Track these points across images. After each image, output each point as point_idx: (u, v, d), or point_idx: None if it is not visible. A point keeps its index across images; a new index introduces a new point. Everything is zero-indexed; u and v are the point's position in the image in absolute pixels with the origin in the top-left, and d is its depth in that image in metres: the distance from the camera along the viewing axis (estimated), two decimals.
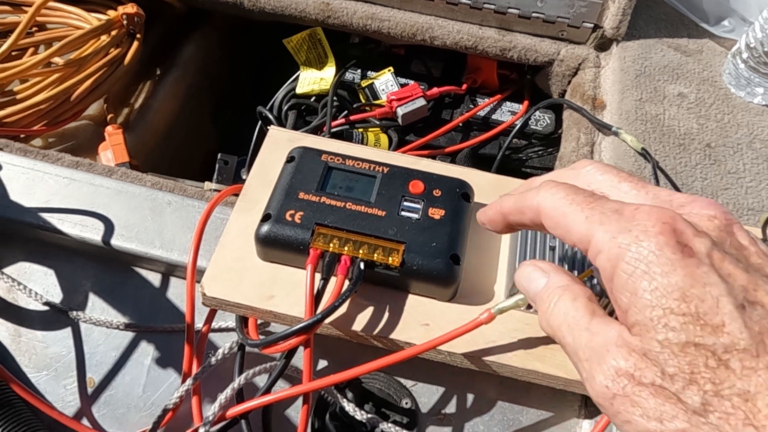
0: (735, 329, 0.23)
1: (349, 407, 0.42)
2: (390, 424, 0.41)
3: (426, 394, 0.45)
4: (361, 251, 0.39)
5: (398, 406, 0.44)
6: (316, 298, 0.38)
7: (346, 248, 0.39)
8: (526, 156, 0.69)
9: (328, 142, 0.48)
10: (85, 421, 0.45)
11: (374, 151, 0.47)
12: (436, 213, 0.41)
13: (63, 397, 0.45)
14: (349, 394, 0.43)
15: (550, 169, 0.69)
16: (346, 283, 0.38)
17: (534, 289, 0.30)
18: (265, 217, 0.40)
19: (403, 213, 0.41)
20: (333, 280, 0.39)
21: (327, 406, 0.44)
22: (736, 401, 0.22)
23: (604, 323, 0.27)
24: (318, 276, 0.39)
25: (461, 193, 0.42)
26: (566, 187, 0.29)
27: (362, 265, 0.39)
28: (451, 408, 0.45)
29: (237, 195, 0.48)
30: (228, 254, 0.41)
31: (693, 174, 0.51)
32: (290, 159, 0.44)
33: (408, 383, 0.45)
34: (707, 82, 0.58)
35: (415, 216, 0.41)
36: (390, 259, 0.39)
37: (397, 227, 0.40)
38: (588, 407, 0.44)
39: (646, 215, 0.25)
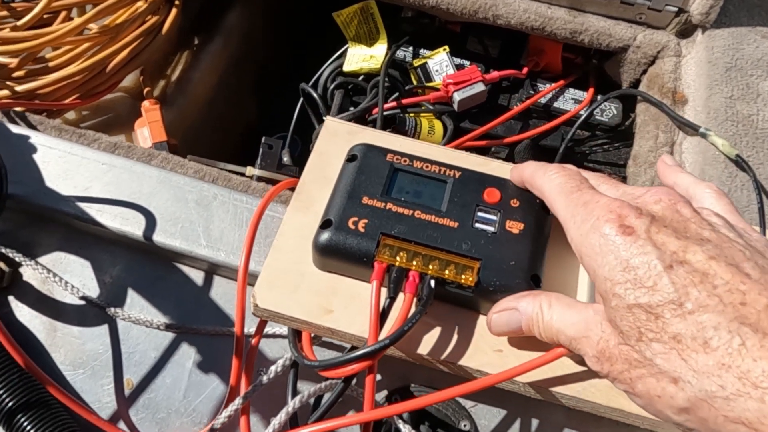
0: (663, 286, 0.27)
1: (405, 429, 0.39)
2: None
3: (486, 417, 0.42)
4: (431, 267, 0.35)
5: (456, 428, 0.41)
6: (381, 317, 0.34)
7: (414, 263, 0.35)
8: (590, 149, 0.64)
9: (391, 138, 0.43)
10: (122, 425, 0.42)
11: (442, 150, 0.43)
12: (515, 227, 0.37)
13: (100, 398, 0.43)
14: (405, 414, 0.40)
15: (615, 164, 0.64)
16: (414, 302, 0.35)
17: (516, 325, 0.34)
18: (325, 223, 0.36)
19: (477, 225, 0.37)
20: (399, 298, 0.35)
21: (380, 425, 0.41)
22: (670, 343, 0.27)
23: (583, 306, 0.31)
24: (383, 292, 0.35)
25: (541, 204, 0.38)
26: (563, 176, 0.34)
27: (433, 283, 0.35)
28: None
29: (290, 190, 0.44)
30: (282, 259, 0.38)
31: None
32: (351, 158, 0.40)
33: (467, 404, 0.42)
34: None
35: (491, 229, 0.37)
36: (463, 277, 0.35)
37: (472, 241, 0.36)
38: None
39: (599, 207, 0.30)
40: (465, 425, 0.41)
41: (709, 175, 0.46)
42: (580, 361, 0.35)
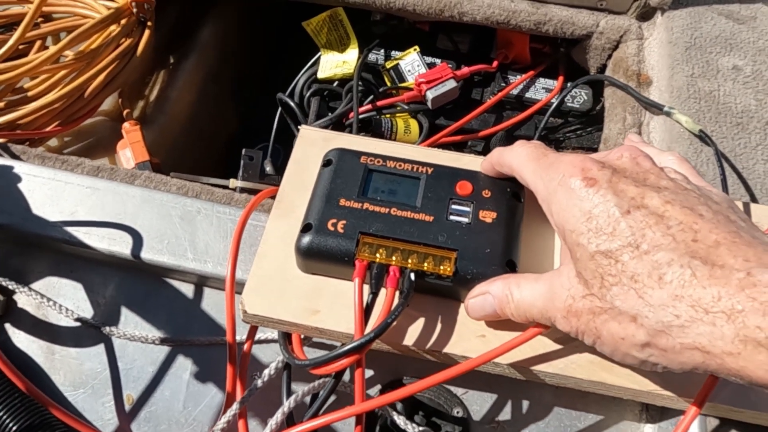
0: (621, 231, 0.29)
1: (400, 420, 0.40)
2: None
3: (478, 402, 0.43)
4: (410, 261, 0.36)
5: (450, 415, 0.43)
6: (366, 312, 0.35)
7: (393, 258, 0.36)
8: (564, 135, 0.66)
9: (365, 141, 0.44)
10: None
11: (414, 148, 0.44)
12: (488, 216, 0.38)
13: (102, 415, 0.44)
14: (399, 405, 0.42)
15: (589, 148, 0.65)
16: (397, 295, 0.36)
17: (490, 309, 0.35)
18: (306, 227, 0.38)
19: (452, 217, 0.38)
20: (382, 293, 0.36)
21: (376, 418, 0.42)
22: (628, 284, 0.28)
23: (549, 275, 0.33)
24: (366, 289, 0.36)
25: (512, 192, 0.39)
26: (528, 146, 0.36)
27: (413, 276, 0.36)
28: (505, 415, 0.43)
29: (271, 198, 0.45)
30: (267, 266, 0.39)
31: (754, 156, 0.48)
32: (327, 162, 0.41)
33: (458, 391, 0.43)
34: (764, 53, 0.54)
35: (465, 220, 0.38)
36: (442, 268, 0.36)
37: (447, 233, 0.37)
38: (649, 411, 0.42)
39: (564, 164, 0.32)
40: (458, 412, 0.42)
41: (665, 151, 0.48)
42: (559, 339, 0.37)
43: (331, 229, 0.37)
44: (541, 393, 0.43)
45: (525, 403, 0.43)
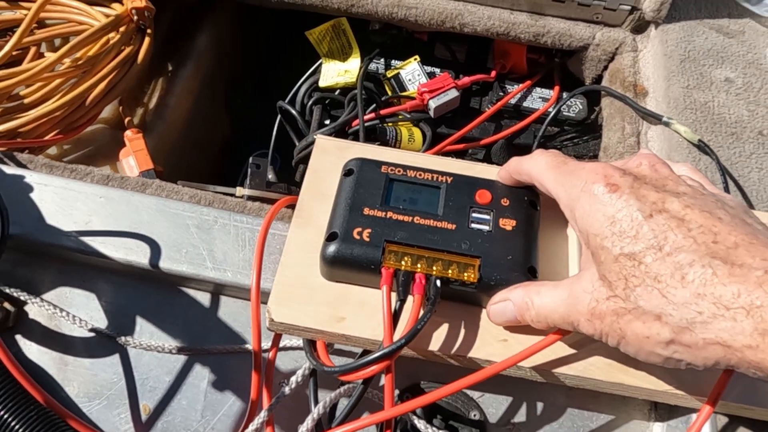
0: (644, 233, 0.30)
1: (420, 424, 0.41)
2: None
3: (494, 405, 0.44)
4: (435, 268, 0.37)
5: (467, 418, 0.44)
6: (393, 319, 0.36)
7: (419, 266, 0.37)
8: (561, 144, 0.67)
9: (381, 151, 0.45)
10: None
11: (428, 158, 0.45)
12: (508, 224, 0.39)
13: (118, 426, 0.43)
14: (418, 410, 0.42)
15: (585, 156, 0.67)
16: (424, 302, 0.37)
17: (511, 315, 0.36)
18: (331, 236, 0.38)
19: (473, 225, 0.39)
20: (408, 300, 0.37)
21: (397, 423, 0.43)
22: (652, 284, 0.30)
23: (569, 281, 0.34)
24: (393, 296, 0.37)
25: (529, 200, 0.41)
26: (548, 155, 0.37)
27: (438, 283, 0.37)
28: (520, 417, 0.44)
29: (287, 207, 0.46)
30: (290, 274, 0.39)
31: (748, 164, 0.50)
32: (348, 172, 0.41)
33: (475, 394, 0.44)
34: (753, 65, 0.57)
35: (486, 228, 0.39)
36: (466, 275, 0.37)
37: (470, 241, 0.38)
38: (658, 410, 0.44)
39: (586, 171, 0.34)
40: (475, 414, 0.43)
41: (675, 162, 0.50)
42: (578, 342, 0.38)
43: (357, 237, 0.38)
44: (554, 394, 0.44)
45: (539, 405, 0.44)
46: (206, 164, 0.81)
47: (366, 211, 0.39)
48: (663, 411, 0.43)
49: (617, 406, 0.44)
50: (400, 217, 0.39)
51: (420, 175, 0.41)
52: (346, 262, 0.38)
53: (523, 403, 0.44)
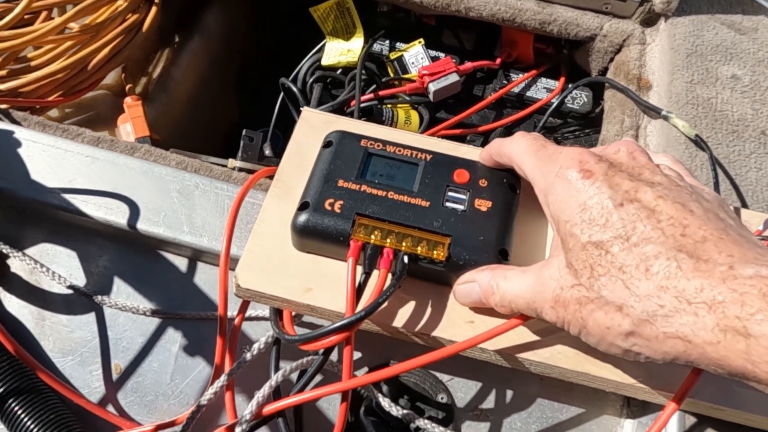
0: (613, 222, 0.30)
1: (385, 402, 0.40)
2: (426, 421, 0.40)
3: (463, 389, 0.43)
4: (404, 244, 0.37)
5: (434, 400, 0.43)
6: (357, 292, 0.36)
7: (388, 240, 0.37)
8: (562, 136, 0.66)
9: (366, 126, 0.45)
10: (111, 408, 0.43)
11: (414, 136, 0.45)
12: (483, 204, 0.39)
13: (89, 383, 0.44)
14: (384, 388, 0.42)
15: None
16: (389, 277, 0.36)
17: (476, 297, 0.36)
18: (303, 206, 0.38)
19: (448, 204, 0.38)
20: (374, 274, 0.37)
21: (361, 400, 0.42)
22: (616, 275, 0.29)
23: (537, 266, 0.34)
24: (359, 269, 0.37)
25: (508, 183, 0.40)
26: (528, 137, 0.36)
27: (406, 259, 0.36)
28: (488, 404, 0.43)
29: (269, 178, 0.46)
30: (262, 243, 0.39)
31: (747, 164, 0.49)
32: (327, 144, 0.41)
33: (444, 377, 0.44)
34: (762, 64, 0.55)
35: (460, 207, 0.38)
36: (435, 252, 0.37)
37: (443, 219, 0.38)
38: (630, 407, 0.43)
39: (563, 156, 0.33)
40: (442, 398, 0.43)
41: (657, 152, 0.49)
42: (546, 329, 0.37)
43: (328, 208, 0.38)
44: (526, 383, 0.43)
45: (509, 393, 0.43)
46: (211, 143, 0.81)
47: (340, 183, 0.39)
48: (636, 408, 0.42)
49: (590, 400, 0.43)
50: (375, 191, 0.38)
51: (399, 151, 0.41)
52: (315, 233, 0.37)
53: (493, 390, 0.43)
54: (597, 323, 0.30)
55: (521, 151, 0.36)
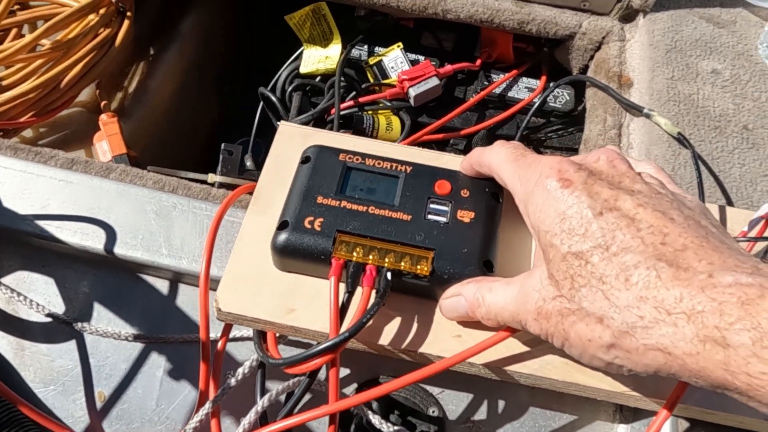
0: (593, 232, 0.29)
1: (375, 420, 0.40)
2: None
3: (453, 402, 0.43)
4: (387, 260, 0.36)
5: (425, 414, 0.42)
6: (341, 311, 0.35)
7: (370, 257, 0.36)
8: (546, 135, 0.66)
9: (344, 139, 0.44)
10: None
11: (394, 147, 0.44)
12: (466, 215, 0.38)
13: (73, 413, 0.43)
14: (374, 405, 0.41)
15: (570, 148, 0.65)
16: (373, 294, 0.36)
17: (462, 310, 0.35)
18: (282, 225, 0.37)
19: (430, 216, 0.38)
20: (358, 291, 0.36)
21: (351, 418, 0.42)
22: (597, 285, 0.28)
23: (521, 278, 0.33)
24: (342, 288, 0.36)
25: (491, 192, 0.39)
26: (507, 147, 0.36)
27: (389, 276, 0.36)
28: (480, 415, 0.43)
29: (249, 194, 0.45)
30: (242, 263, 0.38)
31: (731, 160, 0.48)
32: (305, 159, 0.40)
33: (434, 390, 0.43)
34: (742, 57, 0.54)
35: (443, 219, 0.38)
36: (419, 267, 0.36)
37: (425, 232, 0.37)
38: (623, 412, 0.42)
39: (542, 165, 0.32)
40: (433, 411, 0.42)
41: (654, 155, 0.48)
42: (534, 340, 0.37)
43: (308, 227, 0.37)
44: (517, 393, 0.43)
45: (501, 403, 0.43)
46: (190, 152, 0.80)
47: (319, 199, 0.38)
48: (628, 413, 0.42)
49: (582, 407, 0.43)
50: (355, 207, 0.38)
51: (379, 164, 0.40)
52: (296, 252, 0.37)
53: (485, 401, 0.43)
54: (578, 335, 0.30)
55: (500, 160, 0.36)
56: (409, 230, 0.37)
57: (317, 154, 0.40)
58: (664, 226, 0.28)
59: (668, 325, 0.26)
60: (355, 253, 0.36)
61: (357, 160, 0.40)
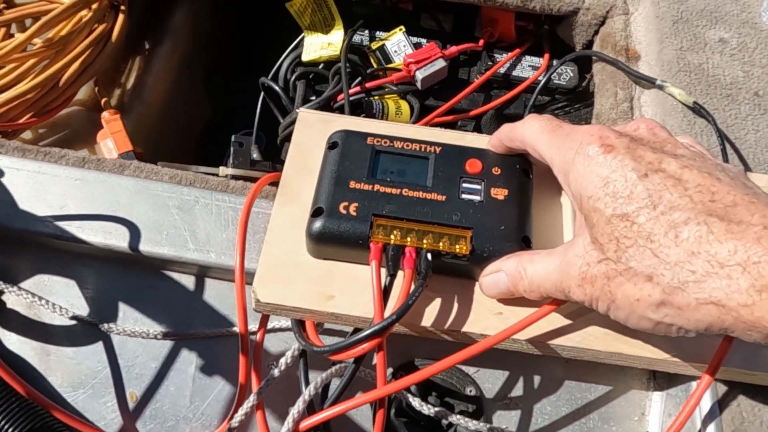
0: (638, 193, 0.29)
1: (415, 402, 0.39)
2: (458, 416, 0.39)
3: (490, 380, 0.43)
4: (425, 241, 0.36)
5: (462, 394, 0.43)
6: (384, 295, 0.35)
7: (408, 239, 0.36)
8: (552, 113, 0.66)
9: (367, 123, 0.44)
10: None
11: (418, 128, 0.44)
12: (500, 193, 0.38)
13: (104, 415, 0.42)
14: (413, 387, 0.41)
15: (578, 124, 0.65)
16: (414, 276, 0.35)
17: (504, 286, 0.35)
18: (317, 212, 0.37)
19: (464, 196, 0.38)
20: (399, 275, 0.36)
21: (390, 402, 0.42)
22: (645, 244, 0.28)
23: (562, 248, 0.33)
24: (383, 272, 0.36)
25: (521, 169, 0.39)
26: (541, 119, 0.36)
27: (429, 257, 0.36)
28: (517, 391, 0.43)
29: (271, 185, 0.44)
30: (276, 253, 0.38)
31: (744, 126, 0.49)
32: (333, 145, 0.40)
33: (470, 370, 0.43)
34: (747, 25, 0.55)
35: (477, 198, 0.38)
36: (458, 247, 0.36)
37: (461, 212, 0.37)
38: (657, 379, 0.43)
39: (581, 133, 0.32)
40: (470, 390, 0.42)
41: (670, 125, 0.49)
42: (575, 312, 0.37)
43: (344, 212, 0.36)
44: (551, 367, 0.43)
45: (536, 378, 0.43)
46: (189, 145, 0.79)
47: (352, 184, 0.38)
48: (662, 380, 0.43)
49: (615, 377, 0.43)
50: (388, 190, 0.37)
51: (407, 146, 0.40)
52: (332, 238, 0.36)
53: (520, 378, 0.43)
54: (626, 296, 0.29)
55: (535, 132, 0.36)
56: (445, 210, 0.37)
57: (344, 139, 0.40)
58: (712, 185, 0.29)
59: (722, 277, 0.26)
60: (392, 236, 0.36)
61: (385, 143, 0.40)
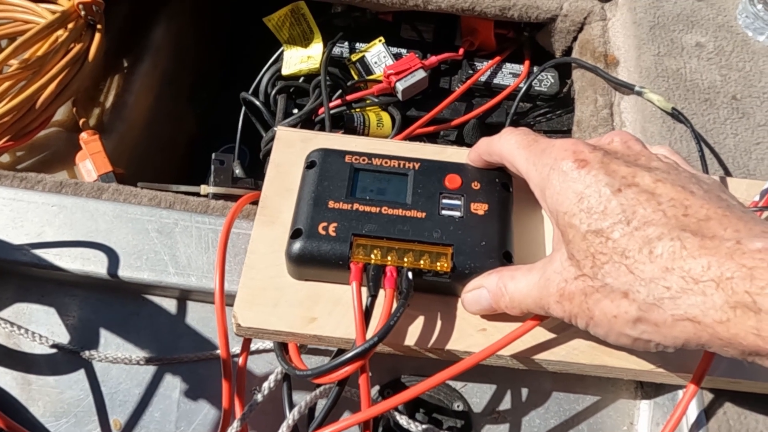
0: (612, 209, 0.29)
1: (403, 420, 0.39)
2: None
3: (477, 394, 0.43)
4: (406, 259, 0.36)
5: (450, 410, 0.42)
6: (365, 316, 0.35)
7: (389, 258, 0.36)
8: (534, 120, 0.66)
9: (346, 140, 0.43)
10: None
11: (396, 144, 0.43)
12: (480, 208, 0.38)
13: None
14: (400, 405, 0.41)
15: (560, 131, 0.66)
16: (396, 296, 0.35)
17: (486, 303, 0.35)
18: (296, 233, 0.36)
19: (444, 212, 0.37)
20: (380, 294, 0.35)
21: (378, 420, 0.41)
22: (619, 260, 0.28)
23: (542, 263, 0.33)
24: (364, 292, 0.35)
25: (501, 183, 0.39)
26: (517, 133, 0.36)
27: (411, 275, 0.35)
28: (505, 405, 0.43)
29: (251, 203, 0.44)
30: (257, 276, 0.37)
31: (723, 131, 0.49)
32: (311, 164, 0.39)
33: (457, 385, 0.43)
34: (723, 29, 0.55)
35: (457, 214, 0.37)
36: (439, 264, 0.36)
37: (441, 229, 0.37)
38: (644, 388, 0.43)
39: (556, 149, 0.32)
40: (458, 405, 0.42)
41: (650, 132, 0.49)
42: (559, 326, 0.37)
43: (323, 233, 0.36)
44: (539, 380, 0.43)
45: (524, 391, 0.43)
46: (173, 163, 0.78)
47: (331, 204, 0.37)
48: (649, 389, 0.42)
49: (603, 387, 0.43)
50: (368, 209, 0.37)
51: (386, 162, 0.39)
52: (312, 260, 0.36)
53: (508, 391, 0.43)
54: (603, 312, 0.29)
55: (512, 147, 0.36)
56: (425, 228, 0.37)
57: (322, 158, 0.39)
58: (685, 199, 0.28)
59: (696, 293, 0.26)
60: (373, 256, 0.36)
61: (363, 160, 0.39)
